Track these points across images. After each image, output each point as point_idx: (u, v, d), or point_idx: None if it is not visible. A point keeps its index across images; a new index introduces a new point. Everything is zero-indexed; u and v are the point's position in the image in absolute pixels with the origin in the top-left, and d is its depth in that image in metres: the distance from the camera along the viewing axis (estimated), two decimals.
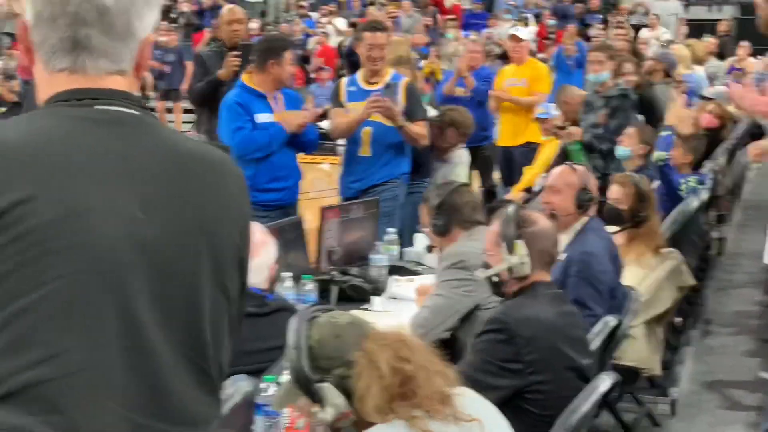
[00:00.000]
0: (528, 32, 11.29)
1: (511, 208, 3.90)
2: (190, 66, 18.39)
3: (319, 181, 9.75)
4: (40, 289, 1.64)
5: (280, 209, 6.36)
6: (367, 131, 6.88)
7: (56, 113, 1.77)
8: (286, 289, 4.58)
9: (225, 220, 1.84)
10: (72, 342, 1.65)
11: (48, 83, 1.81)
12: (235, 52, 7.36)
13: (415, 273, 5.58)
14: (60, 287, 1.65)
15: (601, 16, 22.00)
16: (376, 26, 7.14)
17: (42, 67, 1.82)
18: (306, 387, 2.80)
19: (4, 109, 21.03)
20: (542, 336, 3.64)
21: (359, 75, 7.04)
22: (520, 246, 3.79)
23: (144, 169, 1.76)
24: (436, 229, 4.65)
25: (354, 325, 2.87)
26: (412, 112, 6.90)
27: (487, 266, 3.89)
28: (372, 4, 23.87)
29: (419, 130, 6.90)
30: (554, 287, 3.94)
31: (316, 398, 2.79)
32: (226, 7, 8.39)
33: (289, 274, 4.64)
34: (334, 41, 22.42)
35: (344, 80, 7.24)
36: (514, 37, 10.48)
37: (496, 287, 3.88)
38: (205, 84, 7.45)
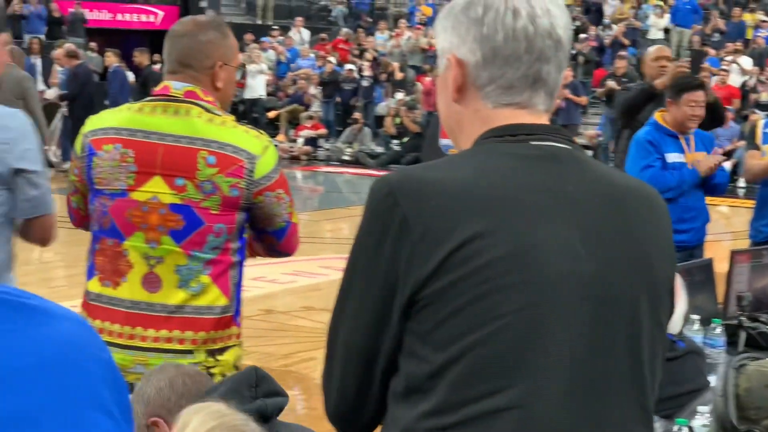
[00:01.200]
0: None
1: None
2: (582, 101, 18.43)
3: (716, 223, 9.45)
4: (492, 323, 1.67)
5: (685, 250, 6.20)
6: None
7: (493, 150, 1.79)
8: (694, 332, 4.44)
9: (659, 254, 1.82)
10: (522, 376, 1.67)
11: (482, 119, 1.83)
12: (686, 59, 7.26)
13: None
14: (511, 322, 1.67)
15: None
16: None
17: (481, 104, 1.84)
18: None
19: (407, 139, 21.93)
20: None
21: None
22: None
23: (582, 204, 1.76)
24: None
25: None
26: None
27: None
28: None
29: None
30: None
31: None
32: (655, 46, 8.37)
33: (697, 316, 4.51)
34: (736, 80, 21.73)
35: (761, 121, 6.96)
36: None
37: None
38: (638, 92, 7.41)
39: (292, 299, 9.35)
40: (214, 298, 3.28)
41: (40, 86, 19.56)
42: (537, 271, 1.69)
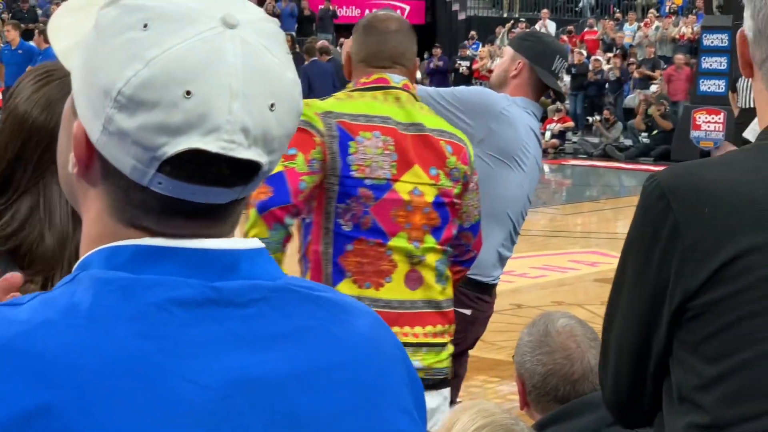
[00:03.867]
0: None
1: None
2: None
3: None
4: (763, 343, 1.57)
5: None
6: None
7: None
8: None
9: None
10: None
11: (766, 104, 1.72)
12: None
13: None
14: None
15: None
16: None
17: (763, 86, 1.72)
18: None
19: (656, 132, 21.44)
20: None
21: None
22: None
23: None
24: None
25: None
26: None
27: None
28: None
29: None
30: None
31: None
32: None
33: None
34: None
35: None
36: None
37: None
38: None
39: (542, 294, 9.27)
40: (452, 290, 3.37)
41: None
42: None
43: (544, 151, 23.74)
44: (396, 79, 3.29)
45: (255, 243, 1.06)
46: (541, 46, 4.28)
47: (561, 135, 22.82)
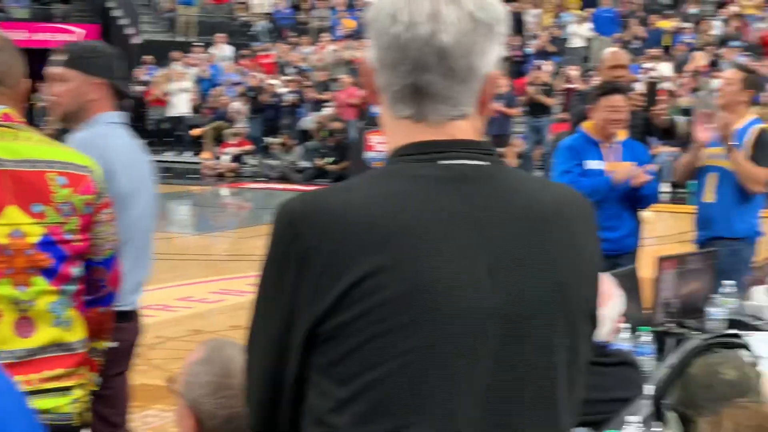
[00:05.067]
0: None
1: None
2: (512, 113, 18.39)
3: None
4: (389, 362, 1.64)
5: (609, 259, 6.23)
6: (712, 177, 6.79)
7: (400, 172, 1.74)
8: (622, 340, 4.45)
9: (577, 274, 1.76)
10: (420, 415, 1.64)
11: (393, 129, 1.79)
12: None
13: (755, 328, 5.31)
14: (409, 361, 1.64)
15: None
16: None
17: (387, 112, 1.80)
18: (656, 404, 2.77)
19: (331, 158, 21.95)
20: None
21: None
22: None
23: (492, 230, 1.70)
24: None
25: (732, 386, 2.71)
26: (759, 157, 6.70)
27: None
28: (700, 49, 23.29)
29: (757, 172, 6.67)
30: None
31: (659, 417, 2.75)
32: (610, 51, 7.98)
33: (626, 325, 4.51)
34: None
35: None
36: None
37: None
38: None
39: (222, 318, 9.26)
40: (82, 330, 3.15)
41: None
42: (432, 310, 1.65)
43: (222, 176, 23.59)
44: None
45: None
46: (106, 59, 4.18)
47: (239, 158, 22.95)
